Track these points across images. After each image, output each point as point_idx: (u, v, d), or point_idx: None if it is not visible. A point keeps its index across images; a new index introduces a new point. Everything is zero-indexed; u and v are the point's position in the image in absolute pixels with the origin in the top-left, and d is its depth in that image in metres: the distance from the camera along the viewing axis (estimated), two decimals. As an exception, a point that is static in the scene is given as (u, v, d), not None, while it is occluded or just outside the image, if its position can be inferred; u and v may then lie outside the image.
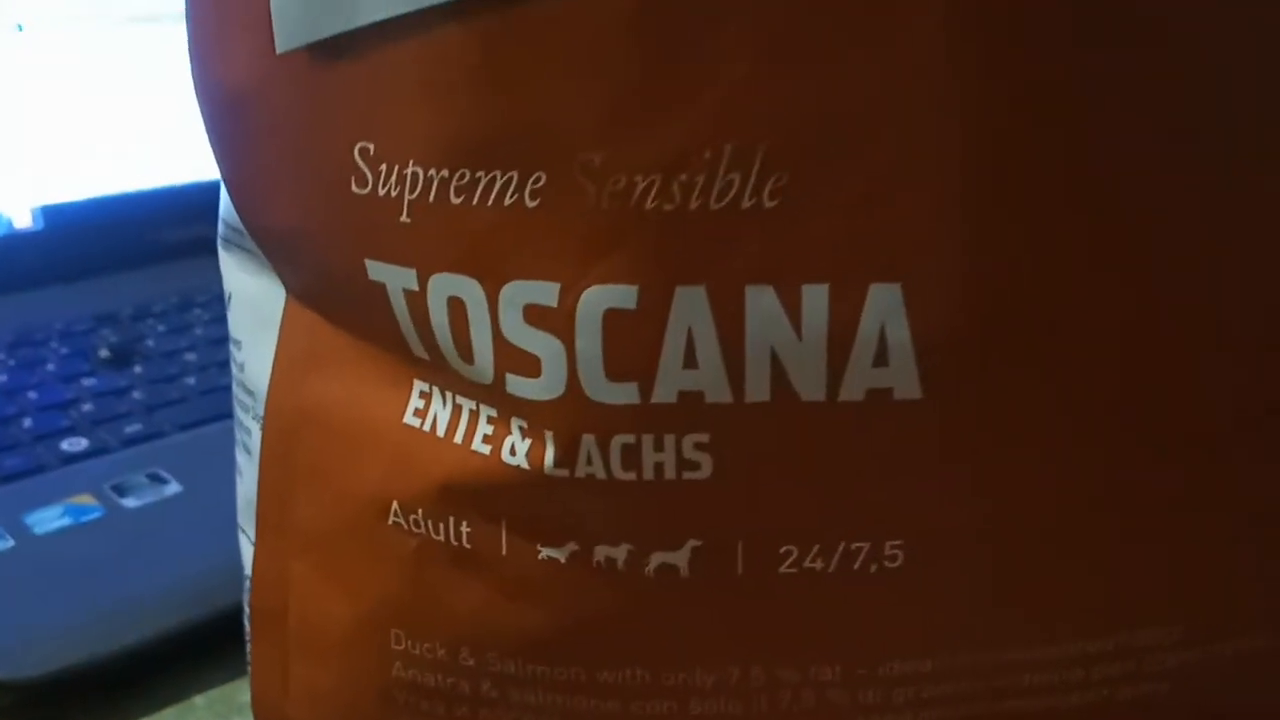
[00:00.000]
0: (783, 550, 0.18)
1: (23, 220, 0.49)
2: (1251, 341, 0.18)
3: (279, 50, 0.18)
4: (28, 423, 0.38)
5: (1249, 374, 0.18)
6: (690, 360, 0.17)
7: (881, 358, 0.17)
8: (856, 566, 0.18)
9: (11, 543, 0.32)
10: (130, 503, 0.34)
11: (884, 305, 0.17)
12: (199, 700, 0.29)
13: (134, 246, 0.50)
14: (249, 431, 0.23)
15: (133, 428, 0.38)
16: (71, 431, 0.38)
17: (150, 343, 0.44)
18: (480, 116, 0.17)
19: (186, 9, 0.20)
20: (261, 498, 0.22)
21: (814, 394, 0.17)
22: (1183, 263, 0.17)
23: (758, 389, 0.17)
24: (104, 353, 0.43)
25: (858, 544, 0.18)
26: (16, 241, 0.48)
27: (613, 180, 0.16)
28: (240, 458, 0.23)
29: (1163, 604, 0.20)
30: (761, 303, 0.17)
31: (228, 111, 0.19)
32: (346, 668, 0.21)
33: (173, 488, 0.35)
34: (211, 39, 0.19)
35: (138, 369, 0.42)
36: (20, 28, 0.47)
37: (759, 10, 0.16)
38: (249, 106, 0.19)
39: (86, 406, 0.39)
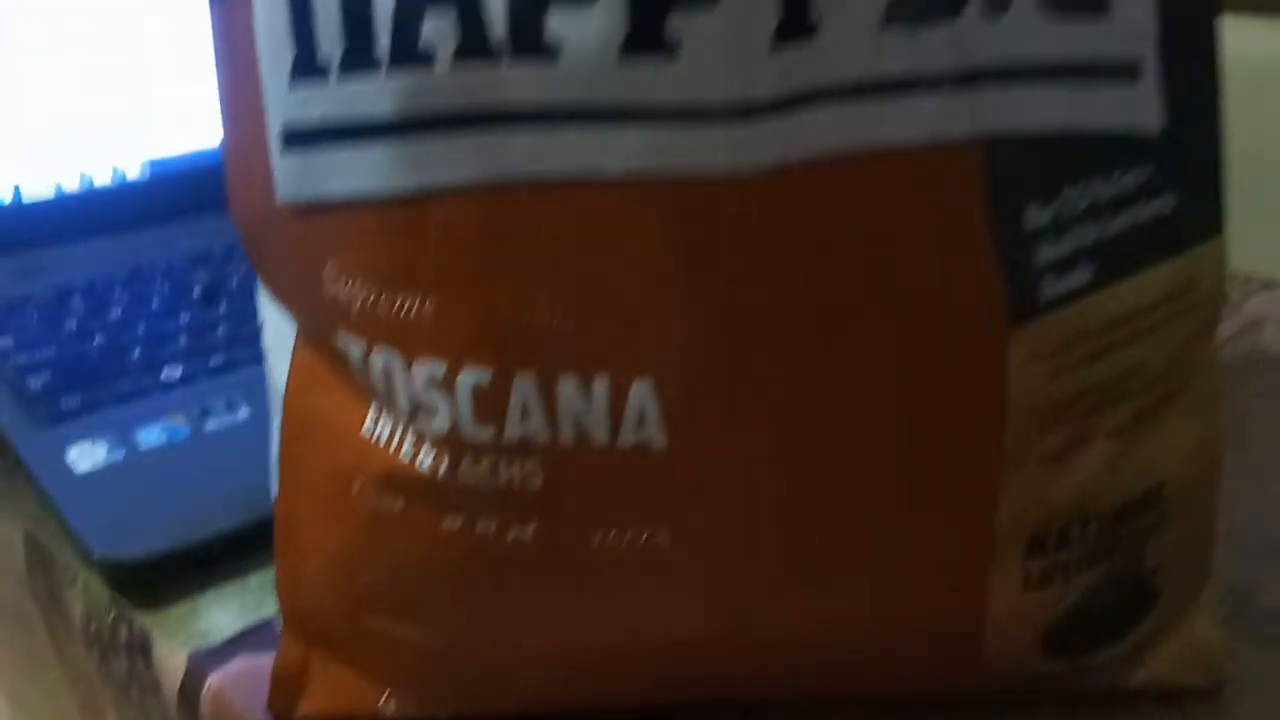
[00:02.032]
0: (592, 531, 0.29)
1: (134, 172, 0.60)
2: (898, 404, 0.27)
3: (279, 198, 0.28)
4: (137, 353, 0.49)
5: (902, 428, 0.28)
6: (525, 416, 0.27)
7: (641, 421, 0.27)
8: (640, 543, 0.29)
9: (122, 454, 0.44)
10: (211, 424, 0.46)
11: (643, 391, 0.26)
12: (253, 579, 0.41)
13: (224, 193, 0.60)
14: (275, 415, 0.33)
15: (216, 360, 0.49)
16: (170, 361, 0.49)
17: (234, 282, 0.55)
18: (395, 259, 0.27)
19: (222, 160, 0.30)
20: (282, 462, 0.33)
21: (601, 440, 0.27)
22: (849, 352, 0.27)
23: (567, 435, 0.27)
24: (197, 291, 0.54)
25: (638, 528, 0.28)
26: (129, 190, 0.60)
27: (478, 306, 0.26)
28: (272, 425, 0.34)
29: (858, 567, 0.30)
30: (568, 385, 0.27)
31: (249, 229, 0.30)
32: (332, 579, 0.32)
33: (243, 412, 0.46)
34: (238, 182, 0.29)
35: (223, 307, 0.53)
36: (129, 13, 0.58)
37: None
38: (262, 228, 0.29)
39: (182, 340, 0.50)
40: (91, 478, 0.43)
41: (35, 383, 0.47)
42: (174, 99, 0.60)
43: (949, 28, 0.25)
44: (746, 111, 0.23)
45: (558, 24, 0.23)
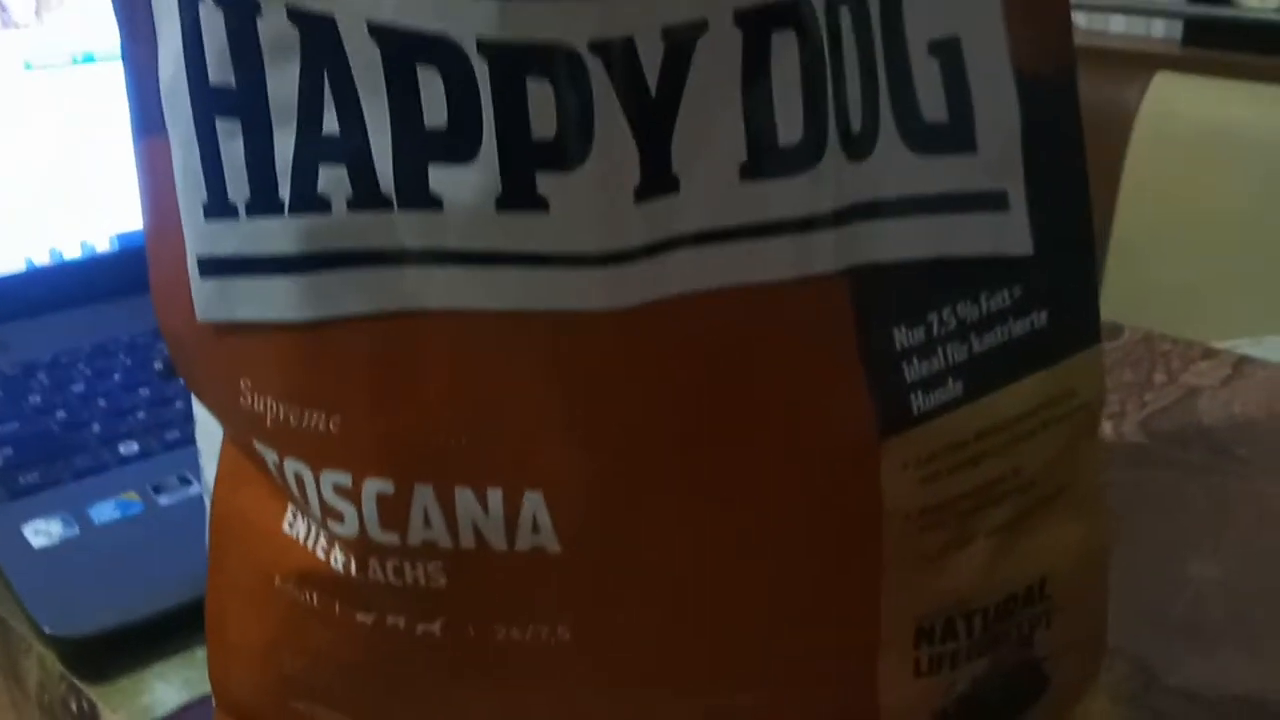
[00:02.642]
0: (495, 627, 0.30)
1: (102, 245, 0.62)
2: (779, 513, 0.29)
3: (199, 319, 0.30)
4: (97, 428, 0.51)
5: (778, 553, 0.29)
6: (427, 523, 0.29)
7: (535, 528, 0.28)
8: (542, 638, 0.30)
9: (77, 530, 0.45)
10: (164, 500, 0.47)
11: (534, 502, 0.28)
12: (199, 654, 0.43)
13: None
14: (206, 506, 0.35)
15: (172, 434, 0.51)
16: (128, 436, 0.51)
17: (194, 355, 0.57)
18: (300, 380, 0.28)
19: (149, 275, 0.32)
20: (210, 552, 0.35)
21: (499, 546, 0.29)
22: (726, 469, 0.28)
23: (467, 541, 0.29)
24: (158, 365, 0.56)
25: (540, 625, 0.30)
26: (97, 263, 0.62)
27: (379, 424, 0.28)
28: (206, 510, 0.36)
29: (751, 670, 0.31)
30: (465, 496, 0.28)
31: (173, 340, 0.32)
32: (259, 666, 0.34)
33: (195, 489, 0.48)
34: (163, 295, 0.31)
35: (182, 380, 0.55)
36: (99, 95, 0.60)
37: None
38: (185, 341, 0.31)
39: (140, 414, 0.52)
40: (46, 554, 0.44)
41: (-4, 458, 0.49)
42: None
43: (811, 173, 0.26)
44: (617, 257, 0.25)
45: (438, 179, 0.25)
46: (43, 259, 0.60)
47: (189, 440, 0.51)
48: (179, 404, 0.53)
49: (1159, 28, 1.11)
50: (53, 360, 0.56)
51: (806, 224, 0.27)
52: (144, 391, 0.54)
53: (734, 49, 0.25)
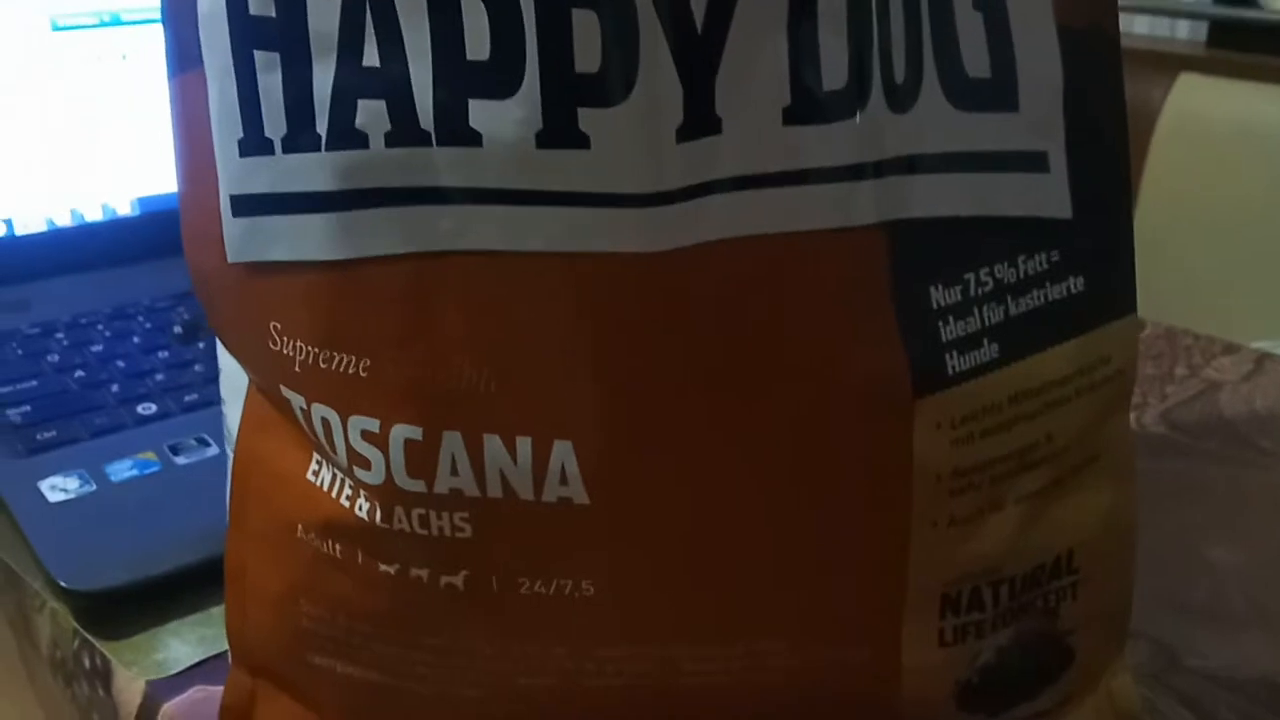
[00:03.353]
0: (519, 580, 0.30)
1: (124, 209, 0.62)
2: (809, 466, 0.29)
3: (230, 259, 0.30)
4: (115, 388, 0.51)
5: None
6: (454, 471, 0.28)
7: (564, 479, 0.28)
8: (566, 592, 0.30)
9: (94, 487, 0.45)
10: (181, 460, 0.47)
11: (562, 451, 0.28)
12: (215, 612, 0.42)
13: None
14: (227, 456, 0.35)
15: (190, 397, 0.51)
16: (146, 398, 0.51)
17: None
18: (330, 321, 0.28)
19: (179, 215, 0.31)
20: (231, 502, 0.35)
21: (526, 495, 0.28)
22: (758, 419, 0.28)
23: (494, 490, 0.29)
24: (177, 329, 0.55)
25: (564, 579, 0.30)
26: (118, 226, 0.61)
27: (408, 368, 0.28)
28: (226, 459, 0.36)
29: (775, 622, 0.31)
30: (494, 443, 0.28)
31: (202, 283, 0.31)
32: (277, 617, 0.34)
33: (212, 450, 0.48)
34: (193, 238, 0.31)
35: (201, 344, 0.55)
36: (124, 57, 0.60)
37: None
38: (214, 284, 0.31)
39: (159, 376, 0.52)
40: (62, 509, 0.44)
41: (15, 415, 0.49)
42: (165, 138, 0.62)
43: (853, 122, 0.26)
44: (656, 199, 0.25)
45: (478, 114, 0.25)
46: (64, 220, 0.60)
47: (207, 403, 0.51)
48: (198, 367, 0.53)
49: (1184, 28, 1.11)
50: (72, 320, 0.56)
51: (846, 173, 0.27)
52: (163, 354, 0.54)
53: (781, -8, 0.25)
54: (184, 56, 0.29)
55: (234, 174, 0.28)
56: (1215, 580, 0.45)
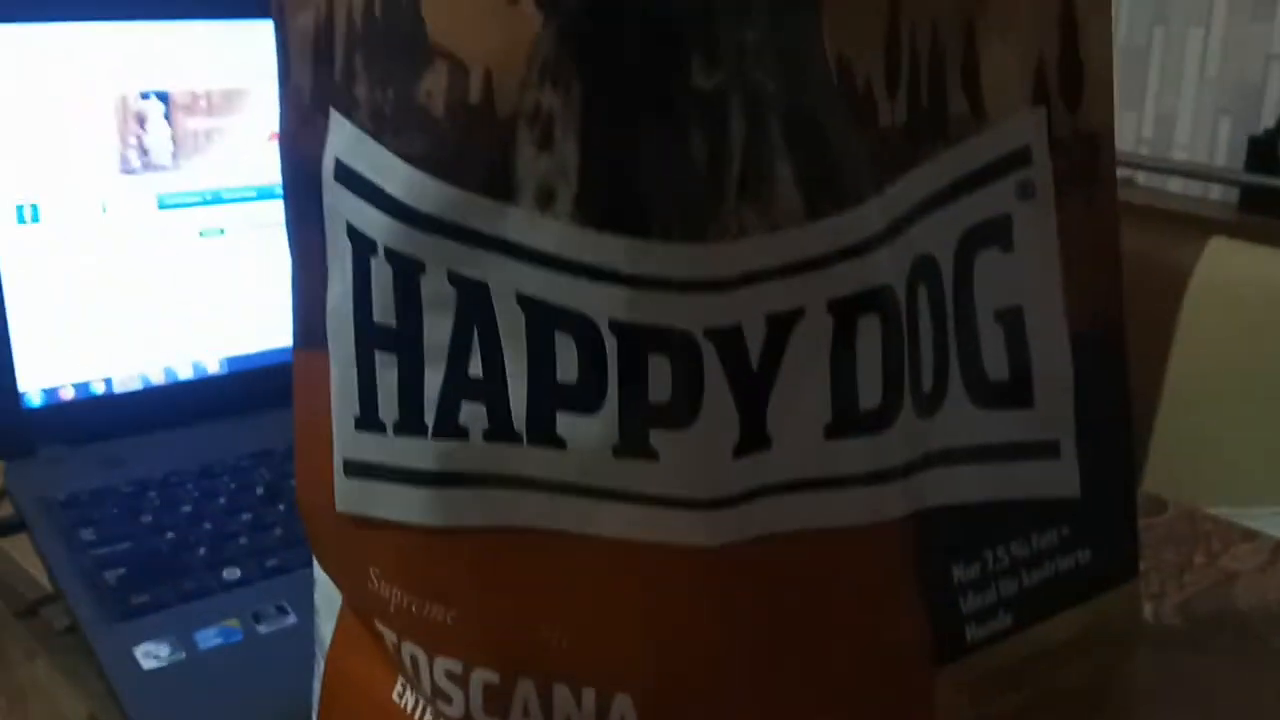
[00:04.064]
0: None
1: (213, 367, 0.67)
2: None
3: (338, 508, 0.34)
4: (202, 551, 0.55)
5: None
6: (525, 712, 0.32)
7: (622, 722, 0.32)
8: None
9: (183, 655, 0.49)
10: (262, 629, 0.51)
11: (622, 704, 0.32)
12: (288, 781, 0.46)
13: (289, 389, 0.67)
14: (318, 661, 0.39)
15: (271, 562, 0.55)
16: (231, 562, 0.55)
17: (292, 481, 0.61)
18: (426, 576, 0.32)
19: (294, 450, 0.36)
20: (319, 709, 0.38)
21: (589, 735, 0.32)
22: (797, 684, 0.32)
23: (561, 728, 0.32)
24: (259, 490, 0.60)
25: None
26: (207, 384, 0.66)
27: (491, 621, 0.32)
28: (315, 672, 0.40)
29: None
30: (561, 692, 0.32)
31: (310, 515, 0.36)
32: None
33: (291, 619, 0.52)
34: (306, 474, 0.35)
35: (280, 506, 0.59)
36: (222, 231, 0.65)
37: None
38: (321, 520, 0.35)
39: (243, 540, 0.56)
40: (155, 677, 0.48)
41: (111, 576, 0.53)
42: (251, 303, 0.67)
43: (886, 434, 0.30)
44: (714, 504, 0.29)
45: (564, 424, 0.29)
46: (158, 378, 0.65)
47: (286, 569, 0.55)
48: (278, 531, 0.57)
49: (1216, 190, 1.15)
50: (164, 479, 0.60)
51: (879, 476, 0.31)
52: (246, 516, 0.58)
53: (825, 331, 0.29)
54: (309, 334, 0.34)
55: (348, 442, 0.33)
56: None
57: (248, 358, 0.68)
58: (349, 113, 0.30)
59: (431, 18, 0.28)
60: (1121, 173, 1.20)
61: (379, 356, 0.31)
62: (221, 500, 0.59)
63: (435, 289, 0.30)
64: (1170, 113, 1.17)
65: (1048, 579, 0.34)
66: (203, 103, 0.63)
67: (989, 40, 0.31)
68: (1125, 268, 1.14)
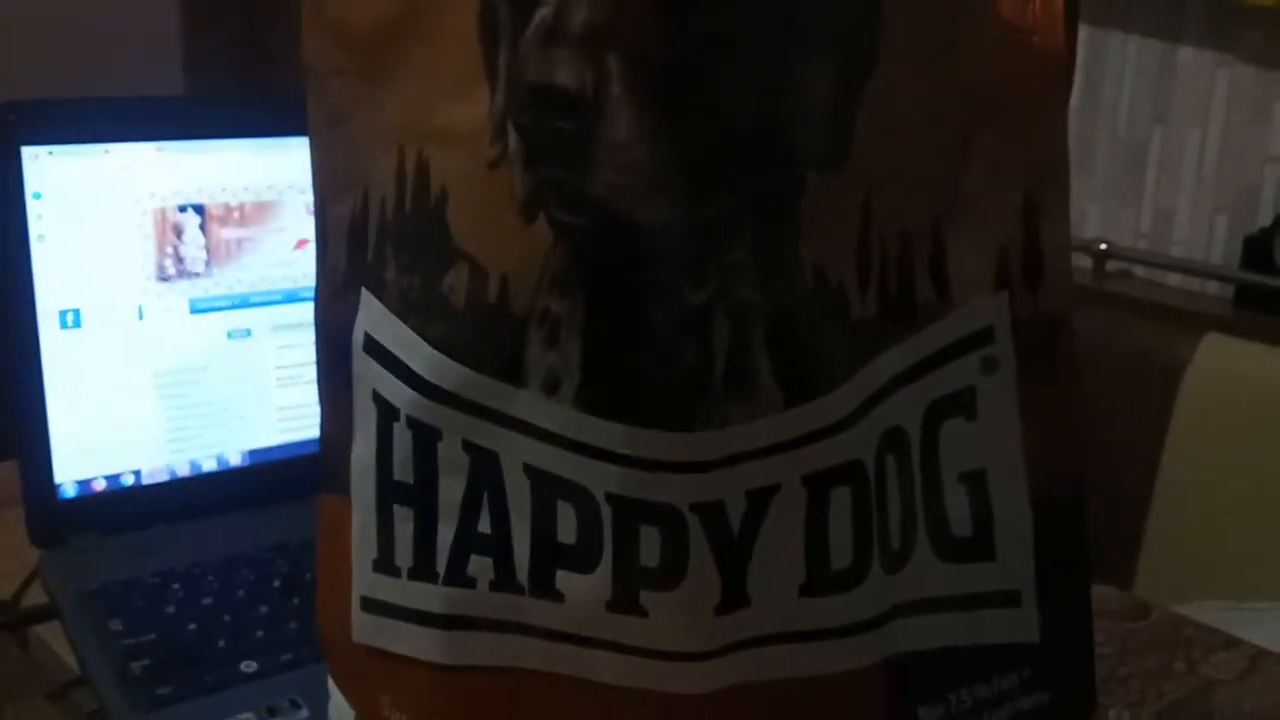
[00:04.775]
0: None
1: (235, 460, 0.70)
2: None
3: (354, 639, 0.37)
4: (222, 643, 0.58)
5: None
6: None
7: None
8: None
9: (205, 749, 0.52)
10: (277, 722, 0.54)
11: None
12: None
13: (306, 483, 0.70)
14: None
15: (285, 656, 0.58)
16: (248, 655, 0.58)
17: (309, 575, 0.64)
18: (435, 708, 0.35)
19: (317, 579, 0.39)
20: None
21: None
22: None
23: None
24: (277, 582, 0.63)
25: None
26: (230, 476, 0.70)
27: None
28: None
29: None
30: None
31: (329, 638, 0.39)
32: None
33: (304, 713, 0.55)
34: (325, 607, 0.38)
35: (296, 600, 0.62)
36: (249, 333, 0.69)
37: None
38: (340, 644, 0.38)
39: (260, 633, 0.59)
40: (176, 769, 0.51)
41: (137, 667, 0.56)
42: (273, 398, 0.71)
43: (856, 591, 0.33)
44: (697, 656, 0.32)
45: (563, 580, 0.32)
46: (184, 470, 0.69)
47: (300, 663, 0.58)
48: (293, 625, 0.60)
49: (1213, 285, 1.18)
50: (187, 570, 0.64)
51: (851, 629, 0.34)
52: (263, 609, 0.61)
53: (800, 502, 0.32)
54: (335, 479, 0.37)
55: (365, 581, 0.36)
56: None
57: (268, 450, 0.71)
58: (378, 293, 0.34)
59: (456, 223, 0.31)
60: (1120, 266, 1.23)
61: (397, 509, 0.34)
62: (241, 593, 0.62)
63: (451, 454, 0.33)
64: (1169, 209, 1.20)
65: (1009, 718, 0.37)
66: (236, 214, 0.67)
67: (955, 233, 0.35)
68: (1123, 360, 1.16)
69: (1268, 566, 1.02)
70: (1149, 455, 1.07)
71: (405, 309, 0.33)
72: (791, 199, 0.31)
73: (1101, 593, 0.72)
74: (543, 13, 0.29)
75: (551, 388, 0.31)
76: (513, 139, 0.30)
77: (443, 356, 0.32)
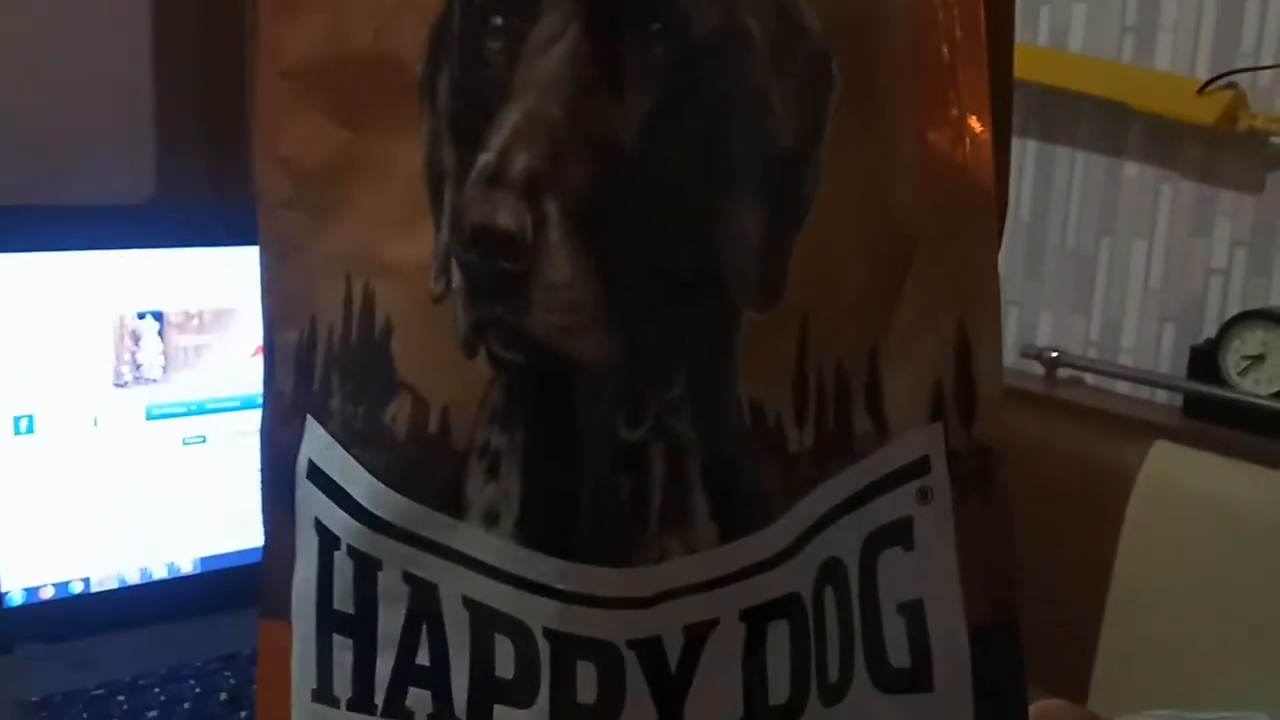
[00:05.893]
0: None
1: (186, 567, 0.69)
2: None
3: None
4: (165, 760, 0.58)
5: None
6: None
7: None
8: None
9: None
10: (216, 842, 0.53)
11: None
12: None
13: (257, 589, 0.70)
14: None
15: (229, 772, 0.57)
16: (191, 771, 0.57)
17: (254, 687, 0.63)
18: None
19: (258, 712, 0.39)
20: None
21: None
22: None
23: None
24: (223, 695, 0.62)
25: None
26: (180, 583, 0.69)
27: None
28: None
29: None
30: None
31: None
32: None
33: (245, 833, 0.54)
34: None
35: (242, 714, 0.61)
36: (204, 439, 0.69)
37: None
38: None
39: (203, 748, 0.59)
40: None
41: (75, 786, 0.55)
42: (226, 505, 0.70)
43: (791, 729, 0.33)
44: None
45: (501, 715, 0.32)
46: (134, 577, 0.68)
47: (244, 779, 0.57)
48: (238, 739, 0.60)
49: (1162, 394, 1.20)
50: (132, 681, 0.63)
51: (786, 765, 0.34)
52: (208, 724, 0.60)
53: (738, 637, 0.32)
54: (276, 604, 0.37)
55: (304, 710, 0.36)
56: None
57: (220, 557, 0.70)
58: (323, 421, 0.34)
59: (399, 355, 0.32)
60: (1070, 374, 1.25)
61: (336, 639, 0.34)
62: (186, 705, 0.62)
63: (390, 585, 0.33)
64: (1116, 319, 1.22)
65: None
66: (194, 321, 0.67)
67: (891, 365, 0.36)
68: (1074, 465, 1.18)
69: (1213, 673, 1.02)
70: (1101, 561, 1.08)
71: (349, 438, 0.33)
72: (727, 336, 0.32)
73: (1053, 707, 0.73)
74: (485, 158, 0.30)
75: (491, 521, 0.31)
76: (456, 275, 0.31)
77: (384, 487, 0.32)
